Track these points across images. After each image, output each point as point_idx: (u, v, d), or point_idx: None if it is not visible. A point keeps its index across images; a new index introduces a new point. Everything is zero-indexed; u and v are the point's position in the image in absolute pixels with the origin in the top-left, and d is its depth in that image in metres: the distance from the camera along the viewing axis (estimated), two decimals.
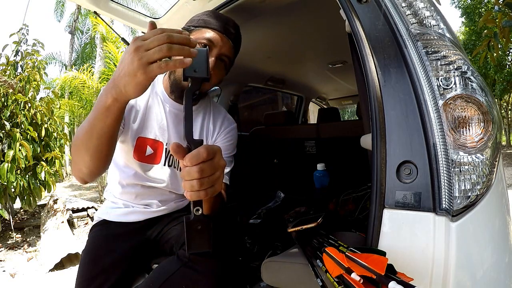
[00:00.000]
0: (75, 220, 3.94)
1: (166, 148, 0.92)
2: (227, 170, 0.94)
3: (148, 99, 0.90)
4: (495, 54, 1.94)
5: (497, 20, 1.92)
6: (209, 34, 0.83)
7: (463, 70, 0.58)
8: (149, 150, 0.90)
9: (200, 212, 0.50)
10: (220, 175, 0.50)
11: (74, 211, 4.08)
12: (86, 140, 0.62)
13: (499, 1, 1.98)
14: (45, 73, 3.69)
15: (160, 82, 0.95)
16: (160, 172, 0.93)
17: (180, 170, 0.91)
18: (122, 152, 0.91)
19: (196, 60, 0.54)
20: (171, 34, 0.50)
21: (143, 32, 1.42)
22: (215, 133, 0.98)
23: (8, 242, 3.32)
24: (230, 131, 0.98)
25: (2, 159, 2.80)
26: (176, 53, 0.50)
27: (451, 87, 0.58)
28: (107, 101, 0.55)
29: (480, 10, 10.99)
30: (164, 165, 0.93)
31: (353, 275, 0.46)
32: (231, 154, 0.98)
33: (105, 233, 0.94)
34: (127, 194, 0.95)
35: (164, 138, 0.91)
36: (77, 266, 0.89)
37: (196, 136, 0.93)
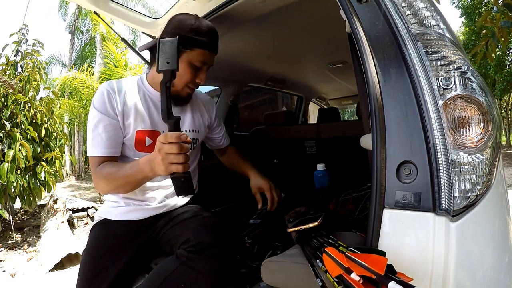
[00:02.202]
0: (75, 220, 3.94)
1: None
2: (223, 131, 1.25)
3: (138, 98, 0.96)
4: (493, 55, 1.94)
5: (495, 21, 1.92)
6: (203, 56, 0.93)
7: (463, 70, 0.58)
8: (148, 141, 0.96)
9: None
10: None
11: (74, 211, 4.08)
12: (123, 186, 0.86)
13: (498, 2, 1.98)
14: (45, 73, 3.68)
15: (144, 79, 1.01)
16: None
17: None
18: (125, 149, 0.95)
19: (167, 52, 0.63)
20: (182, 145, 0.68)
21: (143, 32, 1.42)
22: (206, 112, 1.15)
23: (8, 242, 3.32)
24: (211, 106, 1.19)
25: (2, 159, 2.80)
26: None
27: (451, 87, 0.57)
28: (149, 174, 0.79)
29: (480, 10, 10.98)
30: None
31: (353, 275, 0.46)
32: (219, 120, 1.23)
33: (105, 232, 0.95)
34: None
35: (160, 127, 0.98)
36: (77, 266, 0.90)
37: (195, 121, 1.09)
